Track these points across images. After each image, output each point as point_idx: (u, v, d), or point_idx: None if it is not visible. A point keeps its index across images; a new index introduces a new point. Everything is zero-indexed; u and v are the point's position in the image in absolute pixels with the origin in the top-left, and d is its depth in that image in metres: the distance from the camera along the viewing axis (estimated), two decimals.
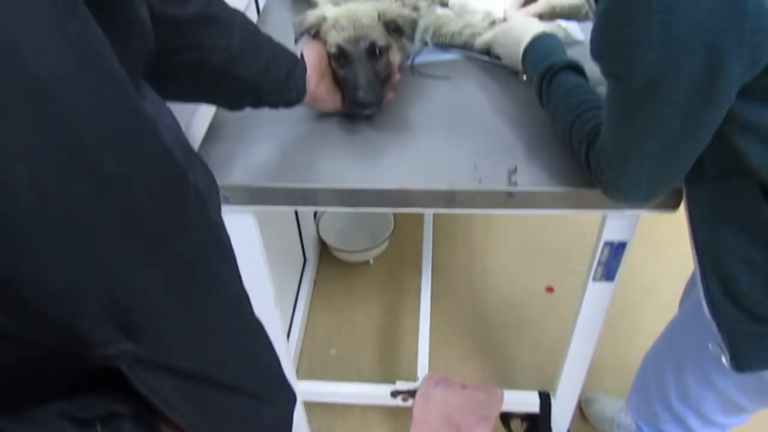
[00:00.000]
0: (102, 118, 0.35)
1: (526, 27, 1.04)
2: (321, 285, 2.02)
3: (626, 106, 0.70)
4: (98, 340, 0.38)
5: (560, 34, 1.12)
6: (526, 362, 1.77)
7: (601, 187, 0.83)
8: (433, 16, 1.18)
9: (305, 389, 1.49)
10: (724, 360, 0.83)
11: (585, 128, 0.84)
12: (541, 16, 1.12)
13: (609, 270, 1.06)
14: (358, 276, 2.05)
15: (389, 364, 1.78)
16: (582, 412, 1.64)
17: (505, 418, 1.47)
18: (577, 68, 0.93)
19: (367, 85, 0.96)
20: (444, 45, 1.19)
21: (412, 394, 1.37)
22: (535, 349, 1.80)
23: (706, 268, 0.82)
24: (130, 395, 0.42)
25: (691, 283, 1.20)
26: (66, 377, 0.42)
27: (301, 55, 0.94)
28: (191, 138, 0.98)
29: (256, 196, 0.94)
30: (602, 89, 0.79)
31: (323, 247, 2.09)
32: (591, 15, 0.75)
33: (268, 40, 0.86)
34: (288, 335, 1.75)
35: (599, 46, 0.69)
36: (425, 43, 1.19)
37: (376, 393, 1.46)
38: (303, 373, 1.75)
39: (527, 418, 1.46)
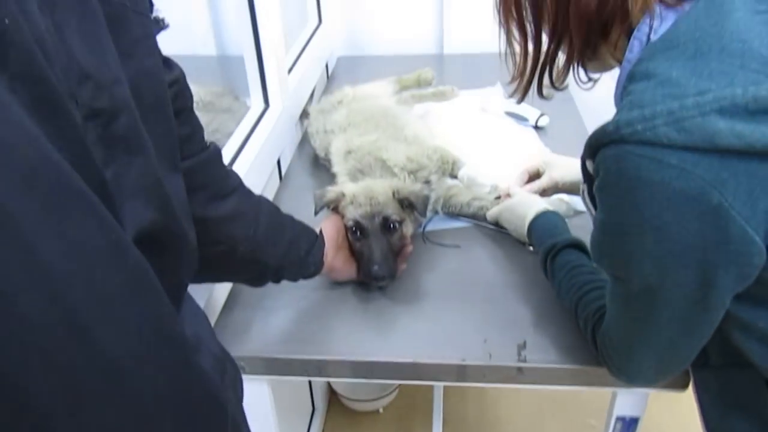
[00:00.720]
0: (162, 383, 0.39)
1: (528, 205, 1.10)
2: None
3: (627, 304, 0.74)
4: None
5: (562, 208, 1.19)
6: None
7: (607, 368, 0.84)
8: (444, 187, 1.26)
9: None
10: None
11: (589, 309, 0.87)
12: (545, 191, 1.19)
13: None
14: (367, 425, 1.99)
15: None
16: None
17: None
18: (579, 246, 0.98)
19: (381, 259, 1.01)
20: (453, 214, 1.26)
21: None
22: None
23: None
24: None
25: None
26: None
27: (320, 230, 1.00)
28: (211, 309, 1.02)
29: (271, 366, 0.96)
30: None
31: (332, 395, 2.06)
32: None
33: (290, 221, 0.93)
34: None
35: (598, 252, 0.73)
36: (436, 212, 1.26)
37: None
38: None
39: None
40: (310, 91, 1.79)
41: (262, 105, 1.44)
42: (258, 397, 1.02)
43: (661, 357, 0.76)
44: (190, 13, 1.87)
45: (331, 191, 1.10)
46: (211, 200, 0.74)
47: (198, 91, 1.49)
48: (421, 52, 2.13)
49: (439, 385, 1.97)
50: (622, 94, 0.70)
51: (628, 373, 0.81)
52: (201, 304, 0.98)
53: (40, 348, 0.32)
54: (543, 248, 1.00)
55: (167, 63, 0.62)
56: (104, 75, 0.43)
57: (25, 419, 0.32)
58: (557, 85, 0.82)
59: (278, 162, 1.46)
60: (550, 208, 1.10)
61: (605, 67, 0.79)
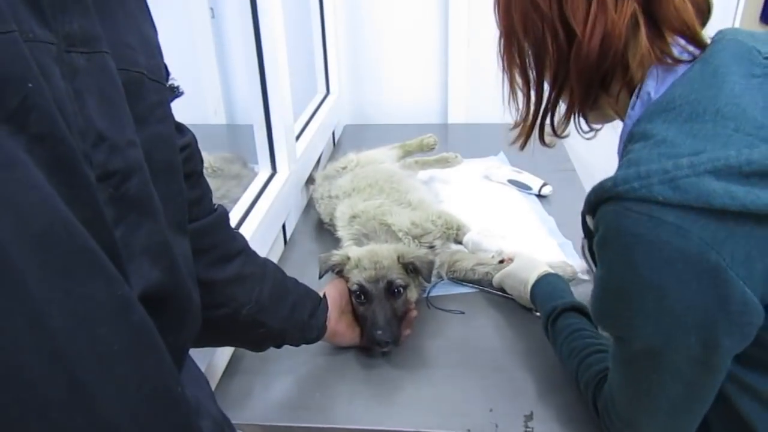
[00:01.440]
0: None
1: (531, 268, 1.10)
2: None
3: (629, 365, 0.72)
4: None
5: (567, 271, 1.19)
6: None
7: None
8: (448, 252, 1.27)
9: None
10: None
11: (590, 372, 0.85)
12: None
13: None
14: None
15: None
16: None
17: None
18: (579, 309, 0.97)
19: (385, 324, 1.00)
20: (458, 280, 1.26)
21: None
22: None
23: None
24: None
25: None
26: None
27: (324, 294, 1.00)
28: (211, 374, 1.01)
29: None
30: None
31: None
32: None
33: (294, 284, 0.93)
34: None
35: (599, 312, 0.72)
36: (440, 278, 1.25)
37: None
38: None
39: None
40: (316, 158, 1.83)
41: (269, 170, 1.47)
42: None
43: (663, 425, 0.73)
44: (203, 85, 1.95)
45: (336, 255, 1.10)
46: (217, 263, 0.74)
47: (208, 158, 1.53)
48: (426, 121, 2.19)
49: None
50: (622, 152, 0.71)
51: None
52: (202, 368, 0.97)
53: (39, 406, 0.32)
54: (544, 312, 0.99)
55: (179, 128, 0.64)
56: (119, 137, 0.44)
57: None
58: (559, 133, 0.83)
59: (283, 226, 1.47)
60: (552, 270, 1.10)
61: (606, 119, 0.80)
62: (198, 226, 0.68)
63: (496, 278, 1.18)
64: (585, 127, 0.84)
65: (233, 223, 1.19)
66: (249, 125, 1.47)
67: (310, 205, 1.61)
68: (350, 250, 1.12)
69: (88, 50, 0.43)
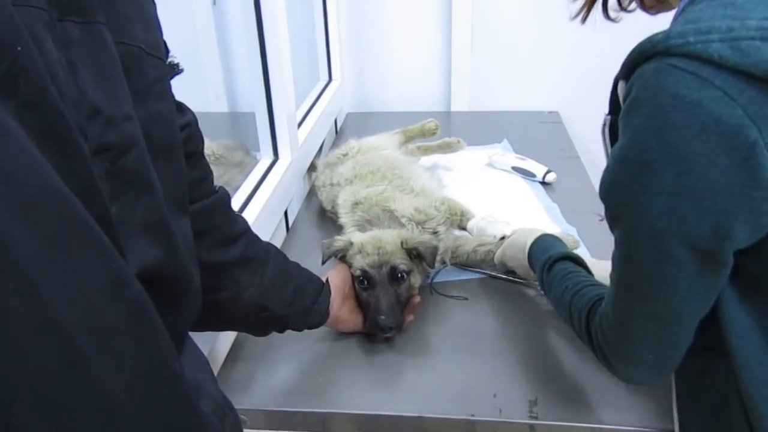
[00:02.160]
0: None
1: (529, 233, 1.07)
2: None
3: (629, 261, 0.68)
4: None
5: (569, 240, 1.16)
6: None
7: (603, 360, 0.77)
8: (451, 238, 1.26)
9: None
10: None
11: (583, 300, 0.82)
12: None
13: None
14: None
15: None
16: None
17: None
18: (575, 259, 0.94)
19: (388, 310, 1.00)
20: (461, 264, 1.25)
21: None
22: None
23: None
24: None
25: None
26: None
27: (327, 279, 0.99)
28: (214, 360, 1.00)
29: (273, 420, 0.93)
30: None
31: None
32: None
33: (296, 269, 0.92)
34: None
35: (609, 187, 0.67)
36: (443, 263, 1.24)
37: None
38: None
39: None
40: (318, 145, 1.82)
41: (271, 157, 1.46)
42: None
43: (661, 337, 0.69)
44: (204, 72, 1.93)
45: (339, 240, 1.10)
46: (218, 245, 0.73)
47: (210, 144, 1.52)
48: (428, 109, 2.18)
49: None
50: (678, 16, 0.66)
51: (625, 356, 0.73)
52: (204, 354, 0.96)
53: (32, 378, 0.31)
54: (538, 264, 0.96)
55: (180, 107, 0.63)
56: (115, 111, 0.43)
57: None
58: (624, 5, 0.77)
59: (285, 214, 1.47)
60: (550, 232, 1.07)
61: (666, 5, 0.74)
62: (199, 208, 0.67)
63: (498, 254, 1.16)
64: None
65: (235, 209, 1.18)
66: (251, 113, 1.46)
67: (312, 192, 1.60)
68: (353, 235, 1.11)
69: (83, 20, 0.42)
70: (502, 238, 1.19)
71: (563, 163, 1.67)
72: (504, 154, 1.69)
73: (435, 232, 1.21)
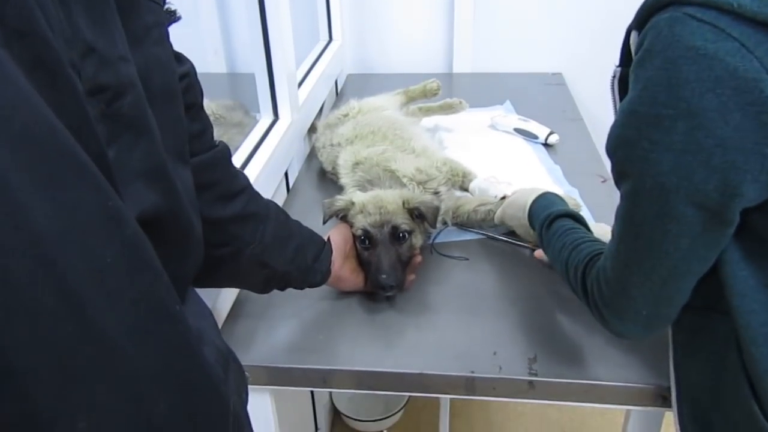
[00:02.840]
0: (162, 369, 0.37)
1: (529, 192, 1.06)
2: None
3: (633, 216, 0.67)
4: None
5: (570, 203, 1.14)
6: None
7: (597, 314, 0.78)
8: (453, 198, 1.25)
9: None
10: None
11: (581, 255, 0.82)
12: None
13: None
14: None
15: None
16: None
17: None
18: (576, 217, 0.93)
19: (389, 269, 1.00)
20: (462, 224, 1.24)
21: None
22: None
23: (682, 396, 0.78)
24: None
25: None
26: None
27: (328, 238, 0.99)
28: (215, 317, 1.00)
29: (274, 376, 0.93)
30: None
31: (336, 415, 2.02)
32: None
33: (298, 227, 0.91)
34: None
35: (616, 141, 0.66)
36: (445, 223, 1.24)
37: None
38: None
39: None
40: (319, 106, 1.80)
41: (271, 117, 1.44)
42: (261, 410, 1.00)
43: (657, 293, 0.69)
44: (202, 32, 1.89)
45: (341, 200, 1.09)
46: (219, 200, 0.73)
47: (210, 104, 1.50)
48: (430, 70, 2.14)
49: (445, 403, 1.93)
50: None
51: (619, 309, 0.73)
52: None
53: (27, 314, 0.30)
54: (538, 221, 0.95)
55: (178, 57, 0.61)
56: (110, 51, 0.42)
57: (8, 391, 0.30)
58: None
59: (286, 175, 1.46)
60: (551, 191, 1.06)
61: None
62: (199, 161, 0.67)
63: (498, 213, 1.15)
64: None
65: None
66: (249, 74, 1.43)
67: (312, 154, 1.58)
68: (354, 195, 1.10)
69: None
70: (503, 198, 1.19)
71: (566, 124, 1.66)
72: (506, 116, 1.68)
73: (436, 193, 1.21)
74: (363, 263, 1.05)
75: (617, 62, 0.71)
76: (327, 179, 1.43)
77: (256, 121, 1.45)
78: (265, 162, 1.26)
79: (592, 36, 1.98)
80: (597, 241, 0.85)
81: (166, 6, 0.55)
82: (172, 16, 0.56)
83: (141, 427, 0.35)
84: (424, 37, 2.13)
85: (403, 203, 1.07)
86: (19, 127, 0.30)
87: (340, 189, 1.29)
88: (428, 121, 1.67)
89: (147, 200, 0.45)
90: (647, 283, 0.69)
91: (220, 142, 0.73)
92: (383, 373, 0.92)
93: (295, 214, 0.94)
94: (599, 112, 1.87)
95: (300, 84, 1.66)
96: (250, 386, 0.95)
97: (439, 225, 1.22)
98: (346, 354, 0.94)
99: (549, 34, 2.07)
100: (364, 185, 1.20)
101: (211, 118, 1.52)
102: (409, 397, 1.97)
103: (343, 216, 1.09)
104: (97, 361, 0.33)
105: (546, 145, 1.56)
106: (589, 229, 0.92)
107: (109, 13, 0.43)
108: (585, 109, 1.82)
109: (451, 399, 1.99)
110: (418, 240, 1.08)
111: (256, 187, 1.12)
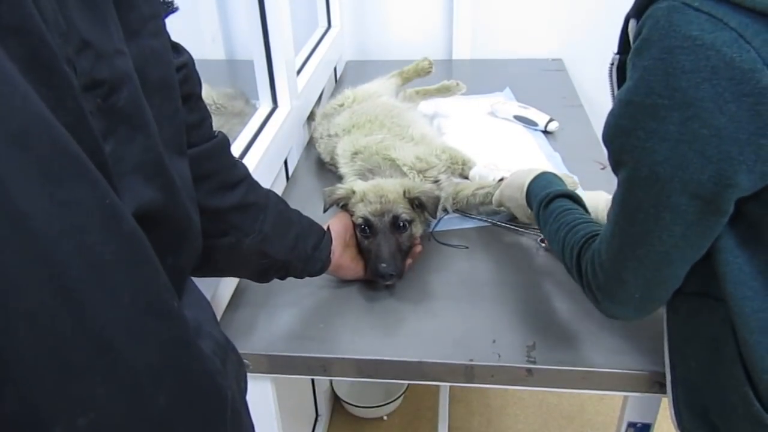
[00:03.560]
0: (161, 367, 0.38)
1: (526, 172, 1.06)
2: None
3: (628, 203, 0.68)
4: None
5: (569, 182, 1.14)
6: None
7: (590, 295, 0.79)
8: (452, 185, 1.25)
9: None
10: None
11: (577, 236, 0.82)
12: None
13: None
14: None
15: None
16: None
17: None
18: (572, 197, 0.93)
19: (389, 258, 1.00)
20: (462, 210, 1.24)
21: None
22: None
23: (677, 380, 0.79)
24: None
25: None
26: None
27: (328, 227, 0.99)
28: (216, 306, 1.01)
29: (275, 364, 0.94)
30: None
31: (336, 402, 2.04)
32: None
33: (297, 216, 0.91)
34: None
35: (613, 130, 0.67)
36: (445, 210, 1.24)
37: None
38: None
39: None
40: (318, 93, 1.79)
41: (270, 104, 1.44)
42: (261, 397, 1.01)
43: (650, 278, 0.70)
44: (200, 18, 1.88)
45: (341, 188, 1.09)
46: (218, 189, 0.73)
47: (210, 92, 1.49)
48: (429, 57, 2.12)
49: (445, 390, 1.95)
50: None
51: (612, 293, 0.74)
52: None
53: (26, 311, 0.30)
54: (536, 201, 0.94)
55: (176, 48, 0.61)
56: (105, 45, 0.42)
57: (8, 389, 0.31)
58: None
59: (285, 163, 1.45)
60: (549, 171, 1.06)
61: None
62: (197, 152, 0.67)
63: (496, 194, 1.15)
64: None
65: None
66: (248, 61, 1.43)
67: (312, 142, 1.58)
68: (355, 183, 1.11)
69: None
70: (501, 180, 1.18)
71: (566, 111, 1.65)
72: (506, 103, 1.67)
73: (436, 181, 1.21)
74: (363, 252, 1.05)
75: (615, 50, 0.71)
76: (326, 168, 1.43)
77: (256, 110, 1.44)
78: (264, 150, 1.25)
79: (592, 21, 1.97)
80: (594, 222, 0.85)
81: None
82: (169, 7, 0.55)
83: (140, 422, 0.36)
84: (423, 23, 2.11)
85: (404, 192, 1.07)
86: (16, 125, 0.30)
87: (339, 178, 1.29)
88: (427, 108, 1.66)
89: (145, 194, 0.45)
90: (640, 268, 0.70)
91: (219, 132, 0.73)
92: (383, 361, 0.92)
93: (294, 203, 0.95)
94: (599, 97, 1.85)
95: (299, 71, 1.65)
96: (251, 374, 0.96)
97: (439, 212, 1.22)
98: (346, 343, 0.95)
99: (549, 20, 2.05)
100: (364, 174, 1.20)
101: (212, 108, 1.52)
102: (409, 384, 1.99)
103: (344, 205, 1.09)
104: (95, 358, 0.33)
105: (546, 132, 1.56)
106: (586, 210, 0.92)
107: (104, 5, 0.43)
108: (585, 94, 1.81)
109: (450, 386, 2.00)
110: (418, 229, 1.09)
111: (255, 175, 1.13)
